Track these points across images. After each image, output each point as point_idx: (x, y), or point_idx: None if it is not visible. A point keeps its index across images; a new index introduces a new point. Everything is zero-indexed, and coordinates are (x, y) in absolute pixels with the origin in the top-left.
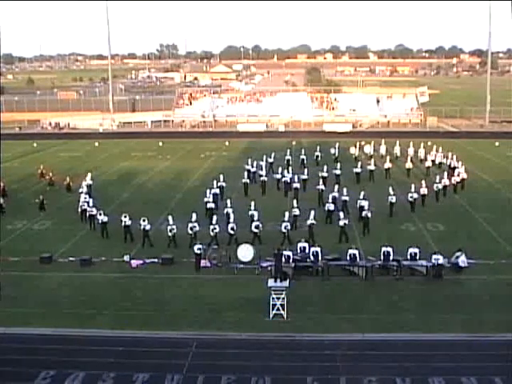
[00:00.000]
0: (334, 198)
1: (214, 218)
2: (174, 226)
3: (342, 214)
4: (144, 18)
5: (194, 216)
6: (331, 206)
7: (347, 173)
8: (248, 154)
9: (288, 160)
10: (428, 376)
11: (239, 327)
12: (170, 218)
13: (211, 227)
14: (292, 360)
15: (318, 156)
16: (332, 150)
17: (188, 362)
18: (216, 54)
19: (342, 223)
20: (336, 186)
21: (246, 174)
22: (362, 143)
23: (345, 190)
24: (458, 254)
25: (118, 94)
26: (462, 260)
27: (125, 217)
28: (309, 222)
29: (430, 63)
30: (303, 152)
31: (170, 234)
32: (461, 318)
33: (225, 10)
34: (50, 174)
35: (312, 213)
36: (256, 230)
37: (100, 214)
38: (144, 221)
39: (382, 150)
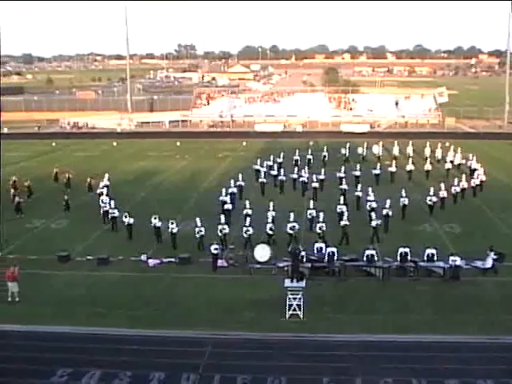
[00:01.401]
0: (358, 198)
1: (222, 217)
2: (203, 228)
3: (373, 215)
4: (162, 18)
5: (223, 218)
6: (343, 208)
7: (366, 174)
8: (265, 154)
9: (308, 159)
10: (444, 378)
11: (255, 327)
12: (197, 219)
13: (220, 227)
14: (308, 360)
15: (325, 156)
16: (359, 150)
17: (204, 362)
18: (234, 54)
19: (374, 224)
20: (359, 186)
21: (262, 173)
22: (380, 144)
23: (370, 190)
24: (489, 253)
25: (136, 94)
26: (491, 259)
27: (154, 218)
28: (342, 223)
29: (449, 63)
30: (313, 152)
31: (197, 235)
32: (477, 319)
33: (243, 10)
34: (67, 175)
35: (345, 214)
36: (270, 232)
37: (126, 217)
38: (172, 223)
39: (395, 150)
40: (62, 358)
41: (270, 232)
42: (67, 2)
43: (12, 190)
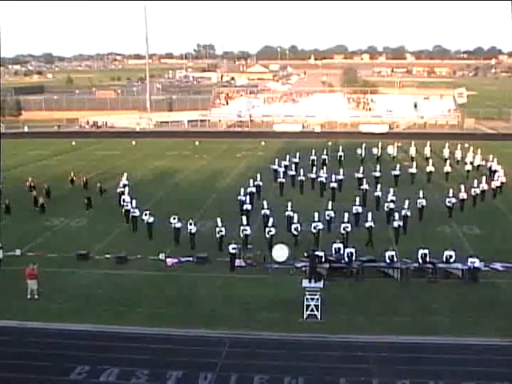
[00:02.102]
0: (377, 199)
1: (244, 218)
2: (223, 229)
3: (396, 215)
4: (182, 18)
5: (245, 219)
6: (359, 209)
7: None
8: (283, 155)
9: (324, 160)
10: (461, 380)
11: (273, 327)
12: (218, 220)
13: (241, 228)
14: (325, 361)
15: (341, 156)
16: (374, 151)
17: (221, 361)
18: (253, 54)
19: (396, 224)
20: (378, 187)
21: (281, 173)
22: (399, 144)
23: (391, 191)
24: None
25: (155, 94)
26: None
27: (173, 219)
28: (367, 224)
29: (468, 64)
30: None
31: (217, 235)
32: (495, 322)
33: (262, 10)
34: (84, 179)
35: (370, 215)
36: (295, 233)
37: (146, 215)
38: (191, 224)
39: (412, 151)
40: (80, 355)
41: (295, 233)
42: (88, 2)
43: (34, 192)
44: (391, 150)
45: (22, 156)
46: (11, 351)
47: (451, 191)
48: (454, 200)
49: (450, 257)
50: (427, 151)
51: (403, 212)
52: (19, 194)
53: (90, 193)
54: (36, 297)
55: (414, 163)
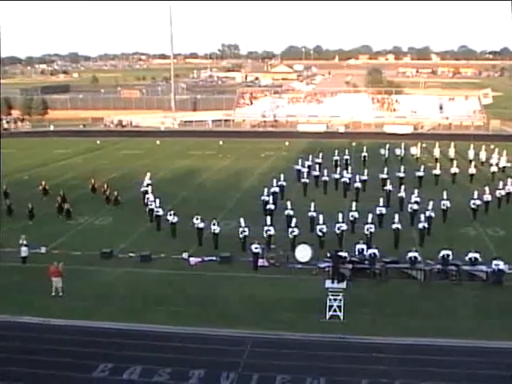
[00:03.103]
0: (401, 199)
1: (267, 218)
2: (246, 229)
3: (422, 217)
4: (206, 18)
5: (269, 220)
6: (383, 210)
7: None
8: (307, 155)
9: (345, 160)
10: None
11: (295, 327)
12: (241, 220)
13: (265, 228)
14: (347, 362)
15: (365, 157)
16: (398, 151)
17: (243, 361)
18: (277, 54)
19: (421, 226)
20: (402, 188)
21: (304, 174)
22: (424, 145)
23: (416, 192)
24: None
25: (179, 93)
26: None
27: (196, 219)
28: (394, 226)
29: (494, 65)
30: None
31: (240, 235)
32: None
33: (286, 10)
34: (105, 187)
35: (397, 216)
36: (320, 234)
37: (170, 215)
38: (214, 224)
39: (436, 152)
40: (103, 353)
41: (320, 234)
42: (114, 2)
43: (58, 198)
44: (414, 150)
45: (48, 155)
46: (36, 347)
47: (476, 193)
48: (478, 202)
49: (475, 259)
50: (452, 152)
51: (427, 213)
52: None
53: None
54: (60, 294)
55: (438, 164)
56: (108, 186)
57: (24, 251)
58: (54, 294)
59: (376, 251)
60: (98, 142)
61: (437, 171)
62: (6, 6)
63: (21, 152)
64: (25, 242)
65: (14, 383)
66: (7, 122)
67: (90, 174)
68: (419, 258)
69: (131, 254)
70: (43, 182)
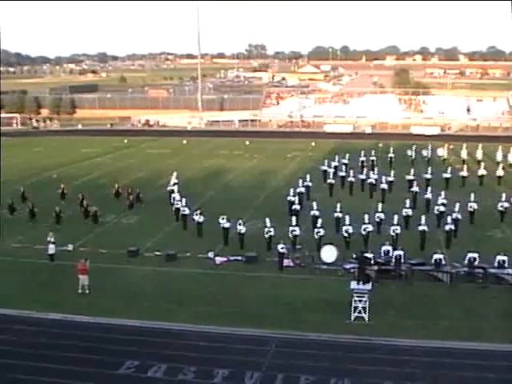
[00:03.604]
0: (427, 201)
1: (293, 219)
2: (272, 229)
3: (449, 219)
4: (234, 18)
5: (294, 220)
6: (409, 211)
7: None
8: (333, 155)
9: (371, 161)
10: None
11: (320, 328)
12: (267, 220)
13: (290, 229)
14: (372, 364)
15: (391, 158)
16: (424, 153)
17: (267, 361)
18: (304, 54)
19: (447, 228)
20: (429, 189)
21: (330, 174)
22: (451, 147)
23: (443, 193)
24: None
25: (206, 93)
26: None
27: (222, 219)
28: (420, 227)
29: None
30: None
31: (266, 235)
32: None
33: (313, 10)
34: (129, 191)
35: (423, 218)
36: (346, 235)
37: (196, 215)
38: (240, 224)
39: (464, 154)
40: (129, 350)
41: (346, 235)
42: (141, 3)
43: (84, 203)
44: (441, 151)
45: (76, 153)
46: (61, 344)
47: (504, 195)
48: (506, 204)
49: (503, 262)
50: (479, 154)
51: (454, 215)
52: (71, 193)
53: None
54: (87, 291)
55: (466, 166)
56: (132, 191)
57: (51, 248)
58: (80, 291)
59: (402, 253)
60: (126, 141)
61: (464, 173)
62: (36, 6)
63: (49, 151)
64: (52, 240)
65: (40, 378)
66: (36, 121)
67: (115, 179)
68: (444, 261)
69: (157, 253)
70: (62, 185)
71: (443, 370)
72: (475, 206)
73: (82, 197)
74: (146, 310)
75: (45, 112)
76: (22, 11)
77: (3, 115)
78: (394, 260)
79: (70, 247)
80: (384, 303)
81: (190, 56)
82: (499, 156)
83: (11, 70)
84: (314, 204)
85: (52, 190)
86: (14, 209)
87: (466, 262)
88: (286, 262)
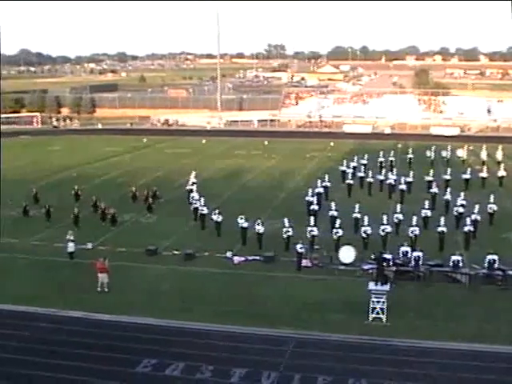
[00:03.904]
0: (447, 202)
1: (311, 219)
2: (290, 229)
3: (468, 220)
4: (253, 18)
5: (312, 220)
6: (428, 212)
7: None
8: (352, 156)
9: (390, 161)
10: None
11: (338, 329)
12: (285, 220)
13: (309, 229)
14: (390, 365)
15: (410, 158)
16: (444, 153)
17: (285, 361)
18: (323, 54)
19: (466, 229)
20: (448, 190)
21: (349, 175)
22: (470, 147)
23: (462, 194)
24: None
25: (226, 93)
26: None
27: (241, 218)
28: (439, 228)
29: None
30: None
31: (284, 235)
32: None
33: (333, 10)
34: (147, 193)
35: (442, 219)
36: (365, 236)
37: (214, 214)
38: (258, 224)
39: (483, 155)
40: (146, 348)
41: (364, 235)
42: (161, 2)
43: (102, 205)
44: (461, 152)
45: (95, 152)
46: (80, 341)
47: None
48: None
49: None
50: (499, 155)
51: (473, 216)
52: (93, 192)
53: (161, 186)
54: (106, 290)
55: (485, 167)
56: (149, 193)
57: (71, 247)
58: (99, 289)
59: (421, 254)
60: (145, 140)
61: (484, 174)
62: (57, 6)
63: (70, 150)
64: (72, 238)
65: (58, 375)
66: (57, 120)
67: (133, 180)
68: (462, 263)
69: (175, 252)
70: (76, 187)
71: (464, 373)
72: (495, 207)
73: (96, 199)
74: (164, 308)
75: (65, 111)
76: (44, 11)
77: (24, 114)
78: (413, 261)
79: (90, 246)
80: (402, 304)
81: (209, 56)
82: None
83: (32, 69)
84: (333, 204)
85: (70, 190)
86: (28, 211)
87: (486, 264)
88: (304, 262)
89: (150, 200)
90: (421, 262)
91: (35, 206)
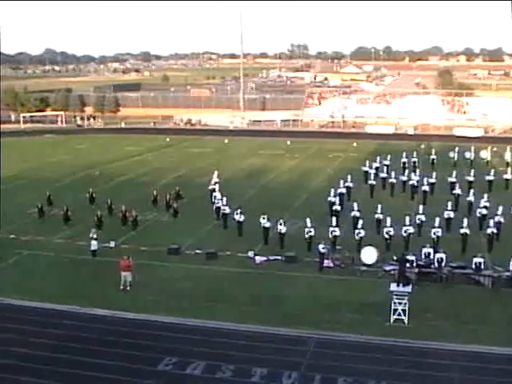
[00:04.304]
0: (470, 204)
1: (333, 219)
2: (312, 229)
3: (491, 222)
4: (276, 18)
5: (335, 220)
6: (451, 214)
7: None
8: (374, 156)
9: (413, 162)
10: None
11: (359, 329)
12: (307, 220)
13: (331, 229)
14: (411, 367)
15: (433, 159)
16: (467, 155)
17: (306, 361)
18: (347, 54)
19: (489, 231)
20: (471, 192)
21: (371, 175)
22: (494, 149)
23: (485, 196)
24: None
25: (248, 93)
26: None
27: (263, 218)
28: (462, 230)
29: None
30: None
31: (306, 235)
32: None
33: (356, 10)
34: (168, 198)
35: (465, 221)
36: (387, 237)
37: (236, 214)
38: (280, 224)
39: (507, 156)
40: (168, 347)
41: (387, 236)
42: (185, 3)
43: (124, 210)
44: (484, 154)
45: (119, 151)
46: (102, 339)
47: None
48: None
49: None
50: (508, 156)
51: (496, 218)
52: (115, 190)
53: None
54: (128, 288)
55: (510, 169)
56: (170, 198)
57: (94, 245)
58: (122, 287)
59: (444, 256)
60: (168, 139)
61: (508, 176)
62: (82, 6)
63: (93, 148)
64: (95, 236)
65: (81, 372)
66: (81, 119)
67: (155, 182)
68: (484, 265)
69: (197, 251)
70: (90, 190)
71: (487, 376)
72: None
73: (111, 202)
74: (186, 307)
75: (89, 110)
76: (69, 11)
77: (48, 113)
78: (436, 262)
79: (112, 244)
80: (424, 306)
81: (232, 56)
82: None
83: (57, 68)
84: (355, 205)
85: (93, 188)
86: (43, 213)
87: (511, 266)
88: (325, 262)
89: (175, 205)
90: (443, 264)
91: (49, 208)
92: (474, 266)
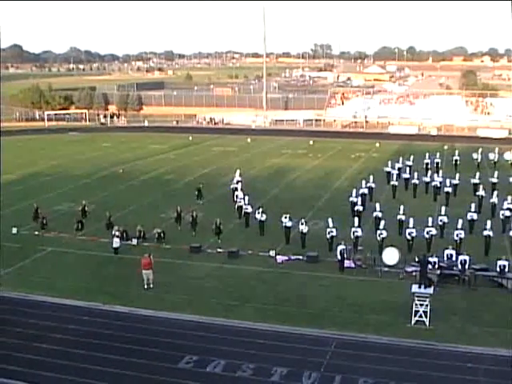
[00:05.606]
0: (493, 206)
1: (355, 220)
2: (334, 229)
3: None
4: (299, 18)
5: (356, 221)
6: (474, 216)
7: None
8: (397, 157)
9: (436, 163)
10: None
11: (380, 331)
12: (329, 220)
13: (353, 229)
14: (432, 369)
15: (456, 160)
16: (491, 156)
17: (326, 361)
18: (370, 54)
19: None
20: (495, 193)
21: (394, 176)
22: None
23: (510, 198)
24: None
25: (271, 92)
26: None
27: (285, 218)
28: (485, 232)
29: None
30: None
31: (328, 236)
32: None
33: (379, 10)
34: (194, 214)
35: (489, 223)
36: (409, 238)
37: (258, 213)
38: (302, 224)
39: None
40: (189, 345)
41: (409, 237)
42: (208, 2)
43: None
44: (509, 155)
45: (142, 149)
46: (124, 336)
47: None
48: None
49: None
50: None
51: None
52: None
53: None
54: (151, 286)
55: None
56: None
57: (116, 242)
58: (146, 286)
59: (467, 258)
60: (191, 138)
61: None
62: (106, 6)
63: (117, 146)
64: (117, 233)
65: (102, 369)
66: (104, 117)
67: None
68: (507, 268)
69: (219, 250)
70: (83, 202)
71: (509, 380)
72: None
73: (110, 215)
74: (207, 305)
75: (112, 108)
76: (93, 10)
77: (72, 111)
78: (459, 265)
79: (134, 242)
80: (446, 308)
81: (255, 55)
82: None
83: (81, 67)
84: (377, 205)
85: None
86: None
87: None
88: (347, 262)
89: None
90: (467, 266)
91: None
92: (498, 269)
